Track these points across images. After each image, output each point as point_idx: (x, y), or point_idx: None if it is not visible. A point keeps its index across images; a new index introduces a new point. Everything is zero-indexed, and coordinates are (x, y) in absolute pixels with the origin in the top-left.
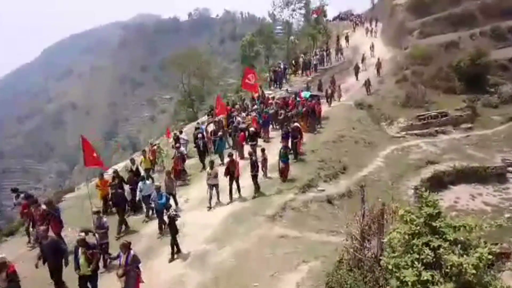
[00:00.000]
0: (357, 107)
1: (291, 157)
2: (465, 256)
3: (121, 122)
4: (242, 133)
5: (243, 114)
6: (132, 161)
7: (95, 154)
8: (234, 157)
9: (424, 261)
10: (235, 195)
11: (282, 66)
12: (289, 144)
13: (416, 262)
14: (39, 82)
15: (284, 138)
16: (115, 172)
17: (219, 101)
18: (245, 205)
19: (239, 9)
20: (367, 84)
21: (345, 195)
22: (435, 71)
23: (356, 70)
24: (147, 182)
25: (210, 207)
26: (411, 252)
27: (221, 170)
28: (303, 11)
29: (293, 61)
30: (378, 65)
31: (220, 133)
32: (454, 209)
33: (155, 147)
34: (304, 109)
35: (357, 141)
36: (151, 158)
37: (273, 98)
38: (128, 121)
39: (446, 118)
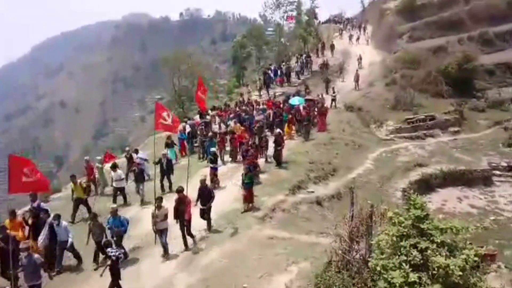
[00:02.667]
0: (346, 109)
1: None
2: (451, 258)
3: (110, 121)
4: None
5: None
6: (33, 197)
7: (26, 178)
8: (184, 192)
9: (412, 262)
10: (190, 241)
11: (272, 68)
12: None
13: (403, 264)
14: (28, 80)
15: (245, 157)
16: (11, 212)
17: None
18: (234, 206)
19: (231, 10)
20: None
21: (334, 197)
22: (424, 75)
23: (327, 83)
24: (63, 223)
25: (166, 256)
26: (399, 254)
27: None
28: (294, 13)
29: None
30: (357, 78)
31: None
32: (442, 212)
33: (92, 163)
34: (290, 116)
35: (347, 143)
36: (85, 183)
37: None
38: (117, 121)
39: (434, 121)
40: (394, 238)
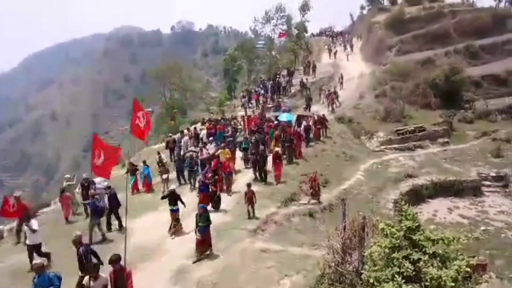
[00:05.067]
0: (337, 121)
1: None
2: (444, 269)
3: (101, 134)
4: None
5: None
6: None
7: None
8: (122, 262)
9: (405, 274)
10: None
11: (266, 83)
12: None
13: (396, 276)
14: (19, 92)
15: (203, 191)
16: None
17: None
18: (225, 219)
19: (222, 24)
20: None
21: (326, 209)
22: (413, 87)
23: (308, 101)
24: None
25: None
26: (392, 265)
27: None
28: (284, 27)
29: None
30: (331, 99)
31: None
32: (433, 222)
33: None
34: (276, 132)
35: (338, 155)
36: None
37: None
38: (108, 133)
39: (423, 132)
40: (387, 250)
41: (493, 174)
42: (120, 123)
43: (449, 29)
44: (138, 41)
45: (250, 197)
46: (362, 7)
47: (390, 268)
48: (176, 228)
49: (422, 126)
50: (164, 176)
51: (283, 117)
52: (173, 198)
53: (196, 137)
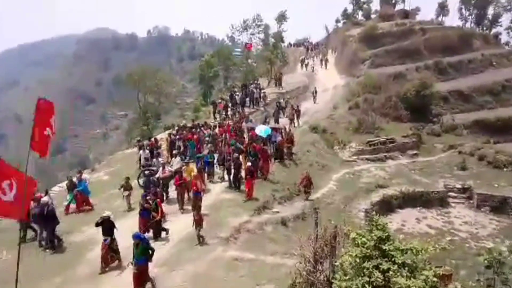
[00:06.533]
0: (311, 130)
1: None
2: (412, 278)
3: (70, 138)
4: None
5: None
6: None
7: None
8: None
9: (374, 284)
10: None
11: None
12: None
13: (366, 285)
14: None
15: (143, 215)
16: None
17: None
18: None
19: (199, 30)
20: None
21: (299, 217)
22: (384, 100)
23: (276, 115)
24: None
25: None
26: (362, 275)
27: None
28: (261, 36)
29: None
30: (292, 115)
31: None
32: (402, 232)
33: None
34: (244, 145)
35: (311, 164)
36: None
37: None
38: (77, 137)
39: (394, 144)
40: (357, 259)
41: (458, 186)
42: (90, 127)
43: (420, 46)
44: (112, 45)
45: (197, 220)
46: (337, 21)
47: (360, 278)
48: (111, 262)
49: (392, 138)
50: (126, 193)
51: (261, 131)
52: (108, 227)
53: (151, 152)
